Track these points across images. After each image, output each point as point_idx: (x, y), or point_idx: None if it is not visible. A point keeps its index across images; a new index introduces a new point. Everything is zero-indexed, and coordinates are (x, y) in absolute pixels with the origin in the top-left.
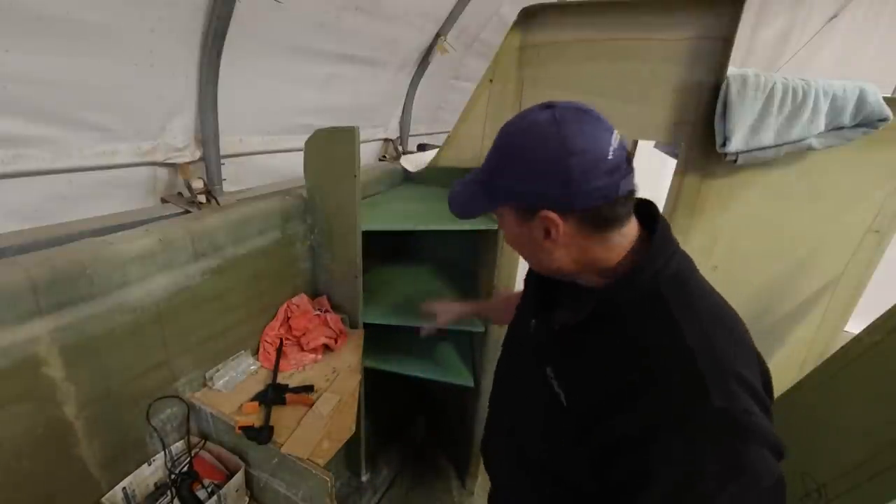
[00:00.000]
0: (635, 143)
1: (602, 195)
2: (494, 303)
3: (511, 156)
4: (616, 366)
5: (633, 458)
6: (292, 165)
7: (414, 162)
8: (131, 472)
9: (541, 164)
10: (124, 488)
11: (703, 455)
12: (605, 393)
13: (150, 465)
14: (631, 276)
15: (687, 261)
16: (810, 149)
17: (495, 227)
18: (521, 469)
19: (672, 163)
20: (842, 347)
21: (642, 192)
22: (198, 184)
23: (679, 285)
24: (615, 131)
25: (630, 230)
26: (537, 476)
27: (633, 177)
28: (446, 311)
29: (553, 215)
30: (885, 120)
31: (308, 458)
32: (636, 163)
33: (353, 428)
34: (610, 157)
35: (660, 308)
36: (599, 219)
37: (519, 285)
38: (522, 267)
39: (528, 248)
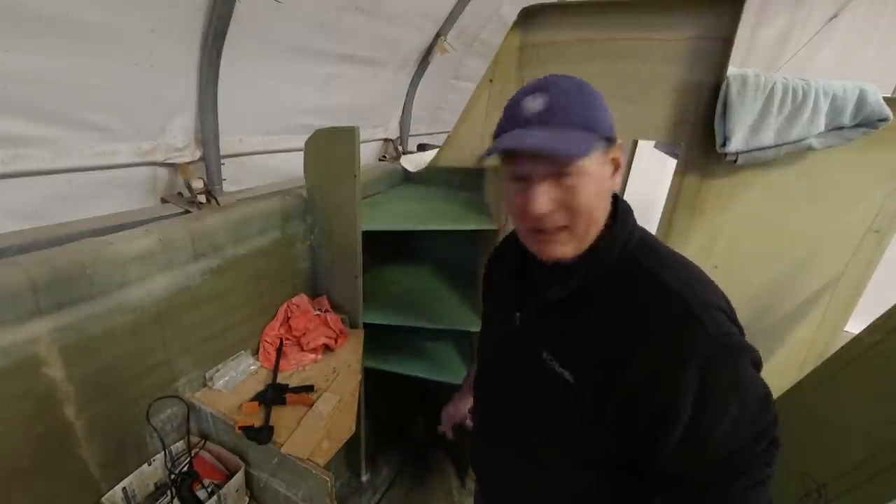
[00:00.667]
0: (635, 143)
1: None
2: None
3: (592, 96)
4: (613, 326)
5: (652, 402)
6: (292, 165)
7: (414, 162)
8: (131, 472)
9: (603, 100)
10: (124, 488)
11: (708, 378)
12: (609, 353)
13: (150, 465)
14: (608, 245)
15: (645, 230)
16: (810, 149)
17: (495, 227)
18: (532, 471)
19: (672, 163)
20: (842, 347)
21: (642, 192)
22: (198, 184)
23: (645, 246)
24: None
25: None
26: (554, 474)
27: None
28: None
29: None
30: (885, 120)
31: (308, 458)
32: (636, 163)
33: (353, 428)
34: None
35: (635, 267)
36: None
37: None
38: None
39: (600, 194)
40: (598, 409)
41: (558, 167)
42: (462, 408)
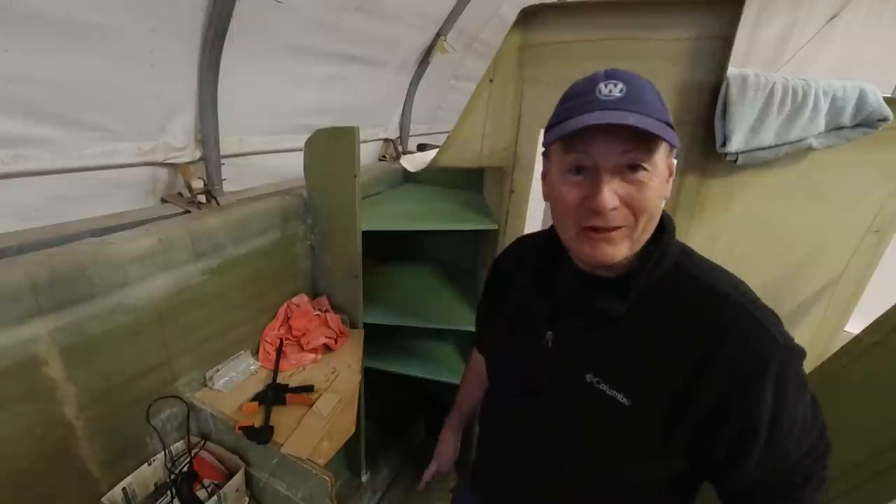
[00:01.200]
0: None
1: None
2: (462, 408)
3: (660, 96)
4: (674, 341)
5: (732, 422)
6: (292, 165)
7: (414, 162)
8: (131, 472)
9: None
10: (124, 488)
11: (781, 389)
12: (674, 373)
13: (150, 465)
14: (662, 251)
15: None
16: (810, 149)
17: (495, 227)
18: (564, 496)
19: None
20: (842, 347)
21: None
22: (198, 184)
23: (687, 254)
24: None
25: None
26: (594, 497)
27: None
28: (443, 463)
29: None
30: (885, 120)
31: (308, 458)
32: None
33: (353, 428)
34: None
35: (683, 276)
36: None
37: None
38: None
39: (661, 195)
40: (666, 431)
41: (634, 156)
42: (447, 454)
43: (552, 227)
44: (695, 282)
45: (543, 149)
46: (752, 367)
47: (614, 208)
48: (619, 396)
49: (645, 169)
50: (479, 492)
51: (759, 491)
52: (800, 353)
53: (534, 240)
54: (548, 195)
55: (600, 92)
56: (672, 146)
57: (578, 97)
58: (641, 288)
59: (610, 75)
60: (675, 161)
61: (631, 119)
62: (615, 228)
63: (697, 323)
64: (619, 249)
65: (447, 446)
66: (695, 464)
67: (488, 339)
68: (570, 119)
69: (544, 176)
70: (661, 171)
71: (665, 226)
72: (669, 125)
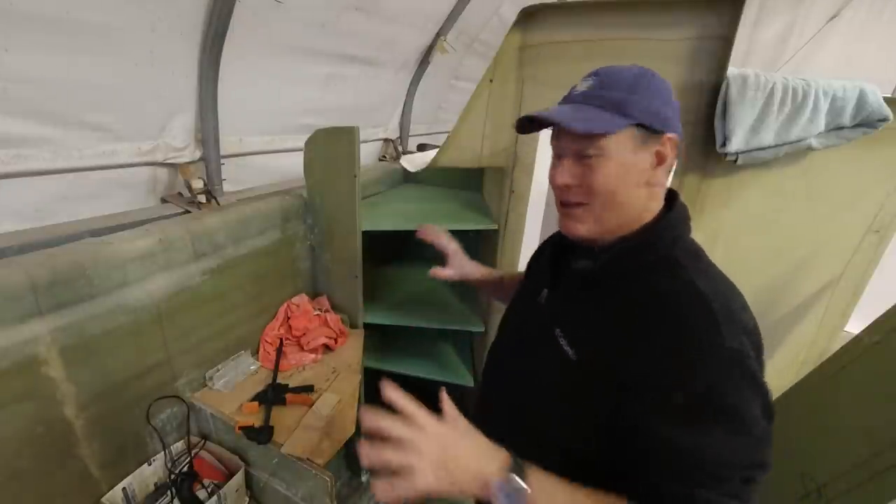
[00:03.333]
0: None
1: (681, 137)
2: (493, 278)
3: (642, 84)
4: (629, 312)
5: (646, 401)
6: (292, 165)
7: (414, 162)
8: (131, 472)
9: (667, 94)
10: (124, 488)
11: (712, 391)
12: (617, 337)
13: (150, 465)
14: (648, 239)
15: (697, 244)
16: (810, 149)
17: (495, 227)
18: (528, 444)
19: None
20: (842, 347)
21: None
22: (198, 184)
23: (694, 256)
24: None
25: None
26: (546, 449)
27: None
28: (458, 265)
29: (676, 138)
30: (885, 120)
31: (308, 458)
32: None
33: (353, 428)
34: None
35: (677, 269)
36: (673, 161)
37: None
38: (522, 267)
39: (625, 180)
40: (596, 394)
41: (580, 145)
42: (468, 266)
43: None
44: (685, 284)
45: None
46: (690, 359)
47: (566, 185)
48: (571, 352)
49: (591, 155)
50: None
51: (659, 493)
52: (750, 376)
53: None
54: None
55: (575, 88)
56: (647, 131)
57: (568, 90)
58: (616, 261)
59: (596, 71)
60: (665, 148)
61: (558, 117)
62: (577, 205)
63: (660, 307)
64: (583, 225)
65: (473, 267)
66: (607, 439)
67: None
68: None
69: None
70: (616, 155)
71: (668, 216)
72: (630, 112)
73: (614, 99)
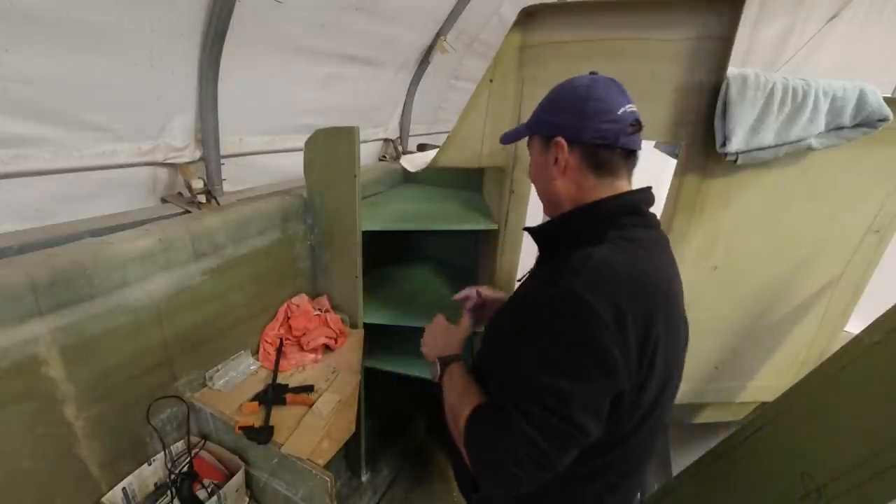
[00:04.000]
0: None
1: (603, 137)
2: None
3: (548, 98)
4: (540, 273)
5: (512, 321)
6: (292, 165)
7: (414, 162)
8: (131, 472)
9: (566, 103)
10: (124, 488)
11: (544, 312)
12: (516, 301)
13: (150, 465)
14: (591, 205)
15: (660, 247)
16: (810, 149)
17: (495, 227)
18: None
19: (672, 163)
20: (842, 347)
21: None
22: (198, 184)
23: (628, 243)
24: (634, 106)
25: (620, 187)
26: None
27: (636, 140)
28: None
29: (563, 142)
30: (885, 120)
31: (308, 458)
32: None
33: (353, 428)
34: (619, 113)
35: (591, 242)
36: (598, 160)
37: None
38: (522, 266)
39: (541, 174)
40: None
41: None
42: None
43: None
44: (585, 249)
45: None
46: (540, 294)
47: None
48: (510, 309)
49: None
50: None
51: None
52: (576, 307)
53: None
54: None
55: None
56: (542, 137)
57: None
58: (542, 234)
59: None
60: (560, 154)
61: (502, 138)
62: None
63: (555, 267)
64: (545, 198)
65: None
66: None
67: None
68: None
69: None
70: (534, 152)
71: (585, 209)
72: (529, 124)
73: (528, 121)
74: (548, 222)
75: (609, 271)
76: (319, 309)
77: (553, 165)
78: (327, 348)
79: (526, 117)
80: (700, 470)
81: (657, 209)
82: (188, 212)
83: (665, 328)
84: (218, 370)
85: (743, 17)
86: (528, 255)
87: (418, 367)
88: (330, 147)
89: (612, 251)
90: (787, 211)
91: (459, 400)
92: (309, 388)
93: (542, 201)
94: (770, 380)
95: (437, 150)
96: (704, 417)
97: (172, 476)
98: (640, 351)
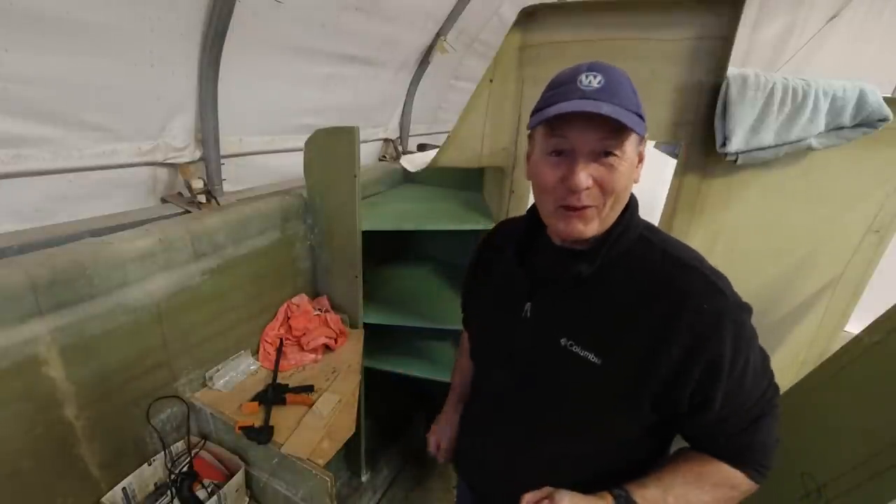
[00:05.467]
0: None
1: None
2: (458, 391)
3: (633, 89)
4: (639, 301)
5: (701, 362)
6: (292, 165)
7: (414, 162)
8: (131, 472)
9: (637, 95)
10: (124, 488)
11: (738, 333)
12: (642, 328)
13: (150, 465)
14: (628, 225)
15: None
16: (810, 149)
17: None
18: (547, 457)
19: (672, 163)
20: (842, 347)
21: (643, 192)
22: (198, 184)
23: (650, 230)
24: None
25: None
26: (574, 455)
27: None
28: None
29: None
30: (885, 120)
31: (308, 458)
32: None
33: (353, 428)
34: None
35: (652, 248)
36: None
37: None
38: None
39: (630, 181)
40: (636, 384)
41: (607, 144)
42: (447, 432)
43: (532, 207)
44: (662, 253)
45: (528, 131)
46: (710, 321)
47: (588, 188)
48: (591, 356)
49: (616, 155)
50: (468, 476)
51: (723, 429)
52: (748, 309)
53: (516, 222)
54: (530, 174)
55: (581, 82)
56: (641, 136)
57: (562, 86)
58: (608, 255)
59: (591, 67)
60: (643, 149)
61: (605, 109)
62: (587, 207)
63: (663, 287)
64: (590, 226)
65: (448, 418)
66: (663, 415)
67: (473, 317)
68: (553, 105)
69: (528, 157)
70: (630, 158)
71: (630, 204)
72: (640, 116)
73: (633, 102)
74: (621, 237)
75: (712, 267)
76: (319, 309)
77: (636, 168)
78: (327, 348)
79: (526, 117)
80: None
81: (657, 209)
82: (188, 212)
83: None
84: (218, 370)
85: (743, 17)
86: None
87: (418, 366)
88: (330, 147)
89: (675, 247)
90: (787, 211)
91: (704, 489)
92: (309, 388)
93: (603, 218)
94: None
95: (437, 150)
96: None
97: (172, 476)
98: None
